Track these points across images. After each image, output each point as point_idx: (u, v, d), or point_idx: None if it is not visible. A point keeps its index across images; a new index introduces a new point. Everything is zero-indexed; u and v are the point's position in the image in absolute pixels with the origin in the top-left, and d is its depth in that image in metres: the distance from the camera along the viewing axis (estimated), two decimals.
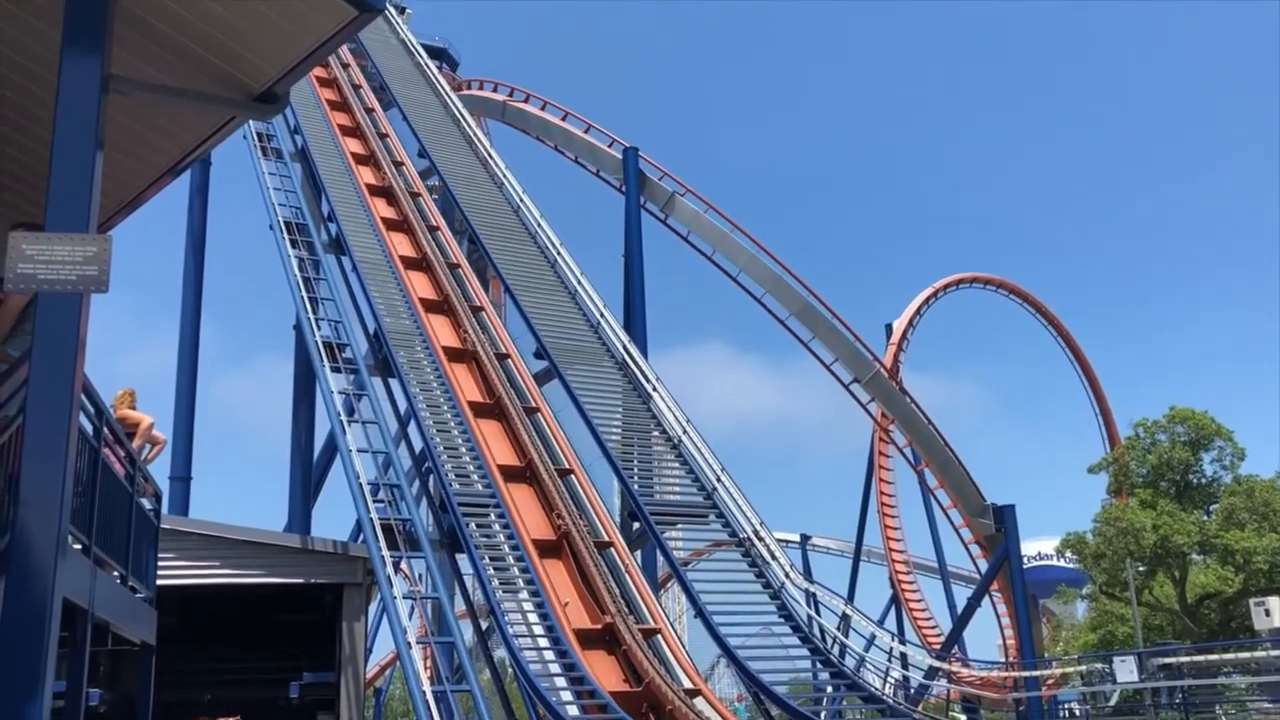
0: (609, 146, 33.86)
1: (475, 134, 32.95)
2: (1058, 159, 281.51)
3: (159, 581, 9.53)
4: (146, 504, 9.24)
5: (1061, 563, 49.01)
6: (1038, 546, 60.74)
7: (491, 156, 31.26)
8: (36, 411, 5.07)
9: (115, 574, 7.63)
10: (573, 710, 14.26)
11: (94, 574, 6.58)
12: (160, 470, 19.46)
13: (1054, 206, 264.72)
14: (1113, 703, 27.45)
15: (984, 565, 33.53)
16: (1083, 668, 26.28)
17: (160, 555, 9.85)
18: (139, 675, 9.18)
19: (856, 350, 30.89)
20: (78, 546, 6.26)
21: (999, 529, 29.39)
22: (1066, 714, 28.69)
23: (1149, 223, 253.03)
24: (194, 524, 17.81)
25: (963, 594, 42.29)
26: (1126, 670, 22.35)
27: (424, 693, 13.92)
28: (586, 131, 34.94)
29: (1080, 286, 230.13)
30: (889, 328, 45.37)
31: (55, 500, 4.97)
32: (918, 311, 45.23)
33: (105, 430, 7.11)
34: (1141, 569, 31.15)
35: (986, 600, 36.92)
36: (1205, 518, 31.40)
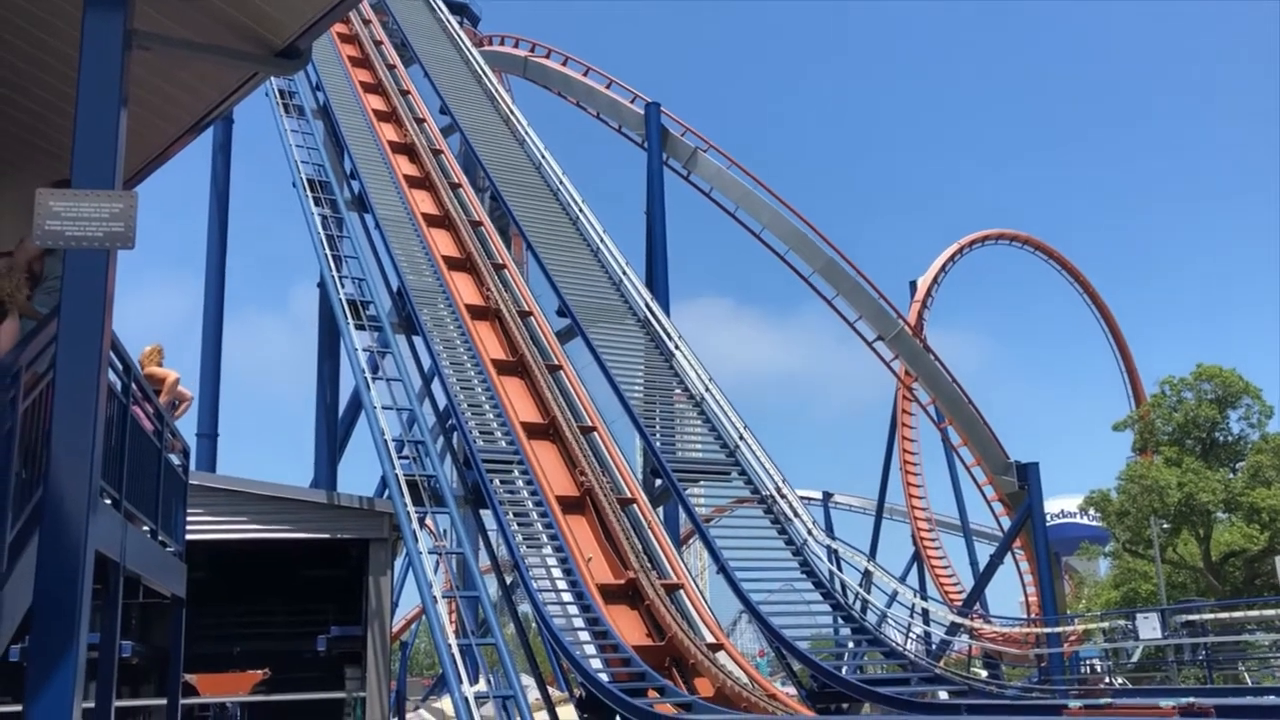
0: (631, 102, 33.56)
1: (497, 90, 32.74)
2: (1084, 117, 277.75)
3: (188, 536, 9.65)
4: (175, 460, 9.33)
5: (1085, 520, 49.03)
6: (1061, 504, 60.68)
7: (513, 113, 31.08)
8: (66, 368, 5.11)
9: (145, 528, 7.72)
10: (596, 663, 14.39)
11: (125, 528, 6.67)
12: (186, 427, 19.66)
13: (1077, 164, 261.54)
14: (1135, 659, 27.50)
15: (1007, 523, 33.48)
16: (1105, 624, 26.30)
17: (189, 511, 9.96)
18: (170, 627, 9.32)
19: (880, 307, 30.68)
20: (108, 501, 6.33)
21: (1022, 487, 29.25)
22: (1088, 670, 28.76)
23: (1178, 180, 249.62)
24: (222, 480, 18.03)
25: (985, 551, 42.38)
26: (1149, 627, 22.33)
27: (449, 646, 14.09)
28: (608, 87, 34.63)
29: (1107, 244, 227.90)
30: (913, 284, 45.09)
31: (86, 455, 5.03)
32: (942, 268, 44.90)
33: (133, 387, 7.17)
34: (1166, 526, 31.07)
35: (1009, 558, 36.88)
36: (1231, 475, 31.25)
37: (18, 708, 4.99)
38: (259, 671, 18.86)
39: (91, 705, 6.61)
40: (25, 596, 4.99)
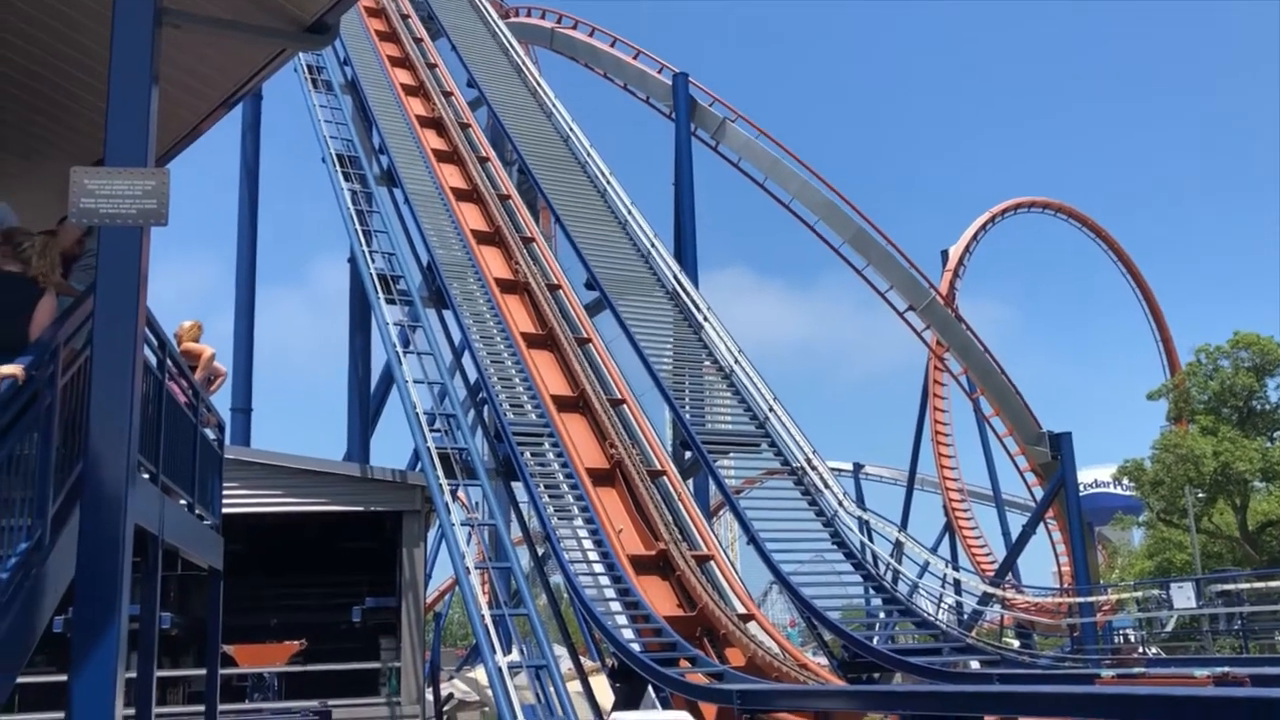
0: (658, 73, 33.37)
1: (524, 62, 32.63)
2: (1119, 86, 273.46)
3: (225, 510, 9.77)
4: (210, 434, 9.42)
5: (1118, 490, 48.65)
6: (1094, 474, 60.25)
7: (540, 85, 30.99)
8: (103, 344, 5.17)
9: (182, 502, 7.82)
10: (628, 633, 14.49)
11: (162, 502, 6.76)
12: (221, 402, 19.85)
13: (1110, 132, 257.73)
14: (1169, 629, 27.35)
15: (1039, 493, 33.31)
16: (1139, 594, 26.14)
17: (225, 484, 10.07)
18: (208, 599, 9.44)
19: (912, 277, 30.44)
20: (146, 475, 6.42)
21: (1055, 457, 29.05)
22: (1121, 640, 28.66)
23: (1213, 147, 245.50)
24: (257, 454, 18.22)
25: (1017, 522, 42.21)
26: (1184, 597, 22.20)
27: (483, 616, 14.23)
28: (635, 58, 34.43)
29: (1141, 212, 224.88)
30: (944, 253, 44.68)
31: (124, 430, 5.09)
32: (974, 237, 44.45)
33: (169, 362, 7.24)
34: (1201, 496, 30.81)
35: (1041, 528, 36.70)
36: (1269, 444, 30.92)
37: (63, 677, 5.09)
38: (295, 642, 19.08)
39: (133, 675, 6.73)
40: (68, 569, 5.08)
